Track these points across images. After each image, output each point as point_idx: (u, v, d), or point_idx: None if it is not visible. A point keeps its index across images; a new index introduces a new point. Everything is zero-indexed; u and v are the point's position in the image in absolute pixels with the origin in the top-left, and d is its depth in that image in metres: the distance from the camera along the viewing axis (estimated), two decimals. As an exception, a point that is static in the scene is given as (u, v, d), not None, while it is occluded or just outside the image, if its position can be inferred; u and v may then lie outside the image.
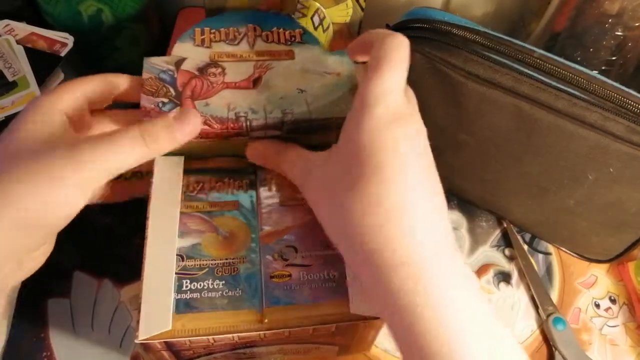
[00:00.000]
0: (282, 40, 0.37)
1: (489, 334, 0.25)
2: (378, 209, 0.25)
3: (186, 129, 0.30)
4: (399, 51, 0.28)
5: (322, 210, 0.29)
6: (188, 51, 0.36)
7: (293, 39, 0.38)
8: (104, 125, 0.34)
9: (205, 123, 0.34)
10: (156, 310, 0.30)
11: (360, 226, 0.26)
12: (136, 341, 0.29)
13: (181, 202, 0.34)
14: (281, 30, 0.38)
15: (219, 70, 0.35)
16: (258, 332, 0.30)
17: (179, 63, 0.35)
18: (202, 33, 0.37)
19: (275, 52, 0.37)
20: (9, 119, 0.39)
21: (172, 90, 0.34)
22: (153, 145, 0.29)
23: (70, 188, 0.28)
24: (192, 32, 0.37)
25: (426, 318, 0.24)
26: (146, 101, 0.34)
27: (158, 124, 0.29)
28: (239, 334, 0.30)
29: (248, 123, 0.34)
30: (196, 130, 0.31)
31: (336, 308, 0.30)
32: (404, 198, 0.26)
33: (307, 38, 0.38)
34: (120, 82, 0.34)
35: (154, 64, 0.35)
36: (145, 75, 0.34)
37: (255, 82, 0.35)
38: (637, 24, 0.41)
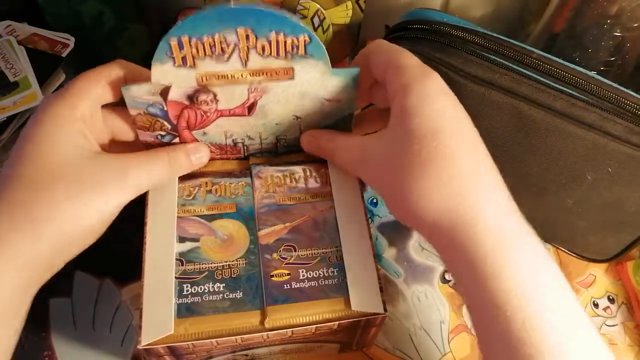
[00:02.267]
0: (281, 54, 0.30)
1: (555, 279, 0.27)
2: (449, 180, 0.28)
3: (201, 159, 0.35)
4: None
5: (385, 187, 0.31)
6: (169, 74, 0.30)
7: (295, 50, 0.30)
8: (117, 130, 0.34)
9: None
10: (158, 315, 0.30)
11: (431, 198, 0.28)
12: (139, 346, 0.29)
13: (178, 207, 0.34)
14: (281, 36, 0.29)
15: (210, 97, 0.32)
16: (261, 334, 0.30)
17: (164, 93, 0.31)
18: (181, 46, 0.29)
19: (273, 72, 0.31)
20: (11, 119, 0.39)
21: (166, 123, 0.33)
22: (176, 167, 0.34)
23: (111, 195, 0.30)
24: (168, 47, 0.29)
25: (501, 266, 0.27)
26: (144, 136, 0.34)
27: (180, 152, 0.34)
28: (242, 336, 0.30)
29: (245, 148, 0.36)
30: (206, 159, 0.36)
31: (337, 305, 0.31)
32: (469, 166, 0.28)
33: (312, 50, 0.30)
34: (124, 72, 0.32)
35: (137, 98, 0.31)
36: (132, 112, 0.32)
37: (250, 108, 0.33)
38: (635, 25, 0.42)
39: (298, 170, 0.36)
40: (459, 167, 0.28)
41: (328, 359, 0.39)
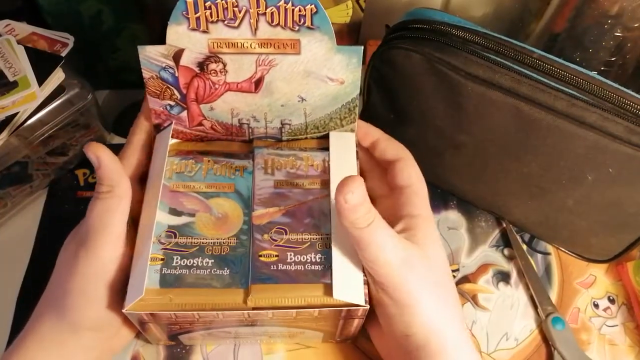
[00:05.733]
0: (288, 24, 0.32)
1: None
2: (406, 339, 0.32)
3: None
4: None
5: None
6: (183, 37, 0.32)
7: (302, 21, 0.32)
8: None
9: (212, 128, 0.37)
10: (137, 280, 0.30)
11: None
12: (123, 311, 0.30)
13: (179, 182, 0.35)
14: (289, 5, 0.31)
15: (220, 67, 0.34)
16: (242, 312, 0.31)
17: (177, 57, 0.33)
18: (196, 8, 0.31)
19: (280, 43, 0.33)
20: (10, 118, 0.39)
21: (176, 92, 0.35)
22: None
23: None
24: (184, 7, 0.31)
25: None
26: (154, 103, 0.36)
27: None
28: (223, 312, 0.31)
29: (250, 130, 0.37)
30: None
31: (320, 291, 0.31)
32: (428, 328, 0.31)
33: (318, 21, 0.32)
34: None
35: (152, 59, 0.34)
36: (145, 74, 0.34)
37: (257, 83, 0.35)
38: (636, 25, 0.42)
39: (299, 156, 0.36)
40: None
41: (315, 349, 0.40)
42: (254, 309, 0.31)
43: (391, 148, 0.37)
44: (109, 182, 0.31)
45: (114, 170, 0.31)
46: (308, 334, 0.37)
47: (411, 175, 0.35)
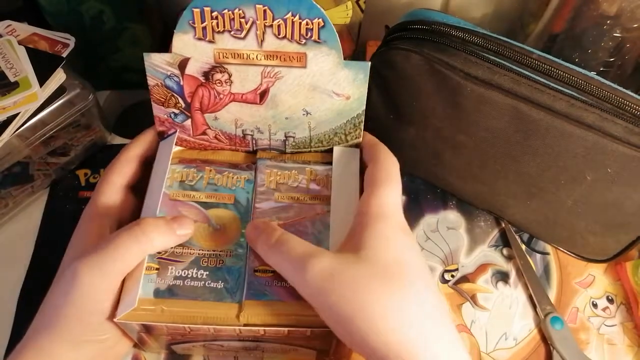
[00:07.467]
0: (295, 37, 0.32)
1: None
2: (400, 314, 0.28)
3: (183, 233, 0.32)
4: (396, 169, 0.33)
5: (343, 310, 0.28)
6: (189, 46, 0.32)
7: (309, 35, 0.32)
8: None
9: (215, 137, 0.37)
10: (131, 290, 0.30)
11: (386, 329, 0.27)
12: (115, 320, 0.29)
13: (179, 190, 0.34)
14: (296, 18, 0.31)
15: (225, 77, 0.34)
16: (234, 327, 0.30)
17: (182, 65, 0.33)
18: (203, 18, 0.31)
19: (286, 56, 0.33)
20: (11, 119, 0.39)
21: (181, 101, 0.35)
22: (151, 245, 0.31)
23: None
24: (191, 16, 0.31)
25: None
26: (159, 111, 0.36)
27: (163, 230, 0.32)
28: (215, 326, 0.30)
29: (254, 142, 0.37)
30: (189, 234, 0.33)
31: (313, 311, 0.30)
32: (417, 309, 0.28)
33: (325, 36, 0.32)
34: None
35: (157, 66, 0.34)
36: (150, 81, 0.34)
37: (262, 94, 0.34)
38: (635, 25, 0.42)
39: (302, 170, 0.36)
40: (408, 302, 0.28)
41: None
42: (245, 325, 0.30)
43: (366, 152, 0.36)
44: (164, 231, 0.31)
45: (176, 227, 0.32)
46: (301, 351, 0.36)
47: (374, 173, 0.33)
